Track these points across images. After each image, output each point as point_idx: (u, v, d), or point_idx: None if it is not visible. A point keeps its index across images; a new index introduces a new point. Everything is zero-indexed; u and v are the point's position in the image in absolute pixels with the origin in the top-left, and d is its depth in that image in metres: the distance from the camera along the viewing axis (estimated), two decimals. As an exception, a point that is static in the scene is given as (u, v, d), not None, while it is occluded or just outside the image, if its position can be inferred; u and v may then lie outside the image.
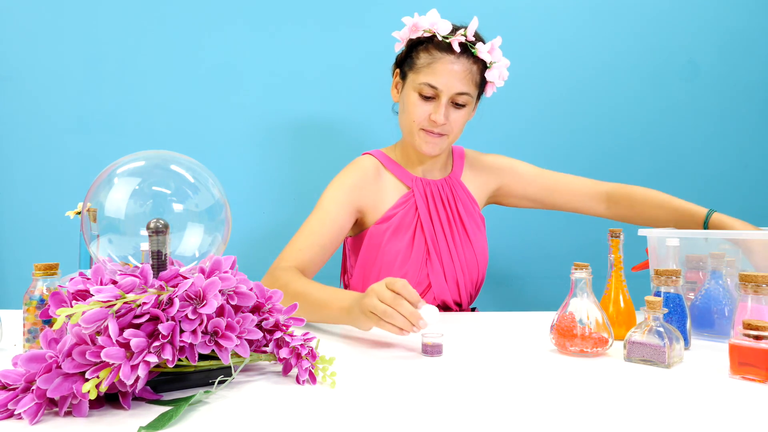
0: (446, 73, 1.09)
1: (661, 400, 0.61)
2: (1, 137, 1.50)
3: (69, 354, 0.55)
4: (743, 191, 1.73)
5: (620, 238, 0.91)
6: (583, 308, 0.80)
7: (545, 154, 1.65)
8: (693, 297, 0.95)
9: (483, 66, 1.14)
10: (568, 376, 0.70)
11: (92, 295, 0.57)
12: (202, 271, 0.65)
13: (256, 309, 0.71)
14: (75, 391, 0.54)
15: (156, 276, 0.64)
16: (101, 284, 0.60)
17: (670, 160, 1.71)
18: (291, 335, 0.70)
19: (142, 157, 0.71)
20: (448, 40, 1.09)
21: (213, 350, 0.61)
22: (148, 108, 1.54)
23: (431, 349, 0.80)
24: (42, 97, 1.51)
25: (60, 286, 0.75)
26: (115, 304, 0.56)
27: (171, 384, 0.63)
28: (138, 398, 0.60)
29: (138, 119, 1.54)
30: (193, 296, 0.61)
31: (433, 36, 1.11)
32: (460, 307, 1.24)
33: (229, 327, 0.63)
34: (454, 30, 1.10)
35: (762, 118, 1.73)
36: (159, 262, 0.65)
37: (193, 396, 0.58)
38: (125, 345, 0.55)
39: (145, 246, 0.66)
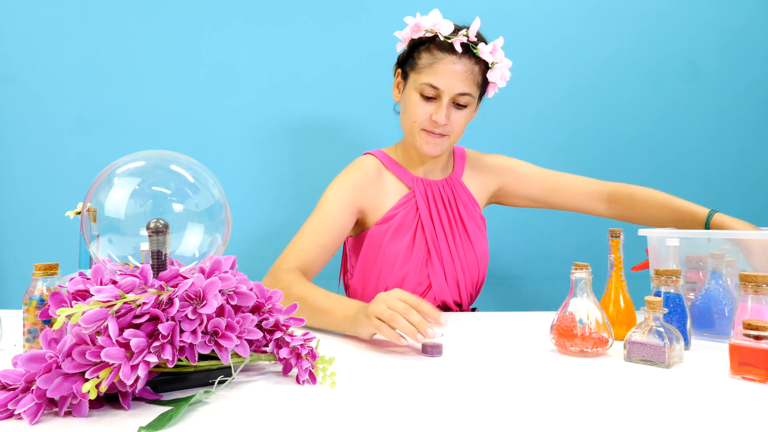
0: (448, 74, 1.09)
1: (661, 400, 0.61)
2: (1, 137, 1.50)
3: (69, 354, 0.55)
4: (743, 191, 1.73)
5: (620, 238, 0.91)
6: (583, 308, 0.80)
7: (546, 154, 1.65)
8: (693, 297, 0.95)
9: (485, 66, 1.13)
10: (568, 376, 0.70)
11: (92, 295, 0.57)
12: (202, 271, 0.65)
13: (256, 309, 0.71)
14: (75, 391, 0.54)
15: (156, 276, 0.64)
16: (101, 284, 0.60)
17: (670, 160, 1.71)
18: (291, 335, 0.70)
19: (142, 157, 0.71)
20: (450, 41, 1.09)
21: (213, 350, 0.61)
22: (148, 108, 1.54)
23: (431, 350, 0.80)
24: (42, 97, 1.51)
25: (60, 286, 0.75)
26: (115, 304, 0.56)
27: (171, 384, 0.63)
28: (138, 398, 0.60)
29: (138, 119, 1.54)
30: (193, 296, 0.61)
31: (435, 36, 1.11)
32: (460, 307, 1.24)
33: (229, 327, 0.63)
34: (456, 30, 1.10)
35: (762, 118, 1.74)
36: (159, 262, 0.65)
37: (193, 396, 0.58)
38: (125, 345, 0.55)
39: (145, 246, 0.66)
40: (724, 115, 1.72)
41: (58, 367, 0.55)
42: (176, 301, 0.59)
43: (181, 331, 0.59)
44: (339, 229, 1.13)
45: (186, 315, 0.59)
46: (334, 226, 1.12)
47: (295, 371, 0.70)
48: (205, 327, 0.61)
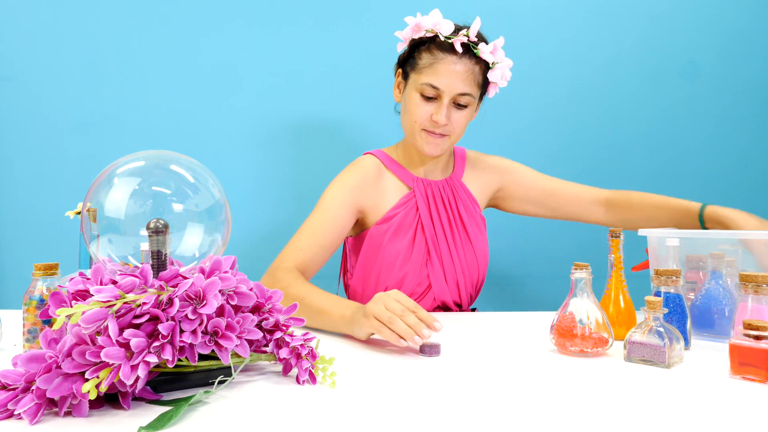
0: (448, 74, 1.09)
1: (661, 400, 0.61)
2: (1, 137, 1.50)
3: (69, 354, 0.55)
4: (743, 191, 1.73)
5: (620, 238, 0.91)
6: (583, 308, 0.80)
7: (547, 154, 1.65)
8: (693, 297, 0.95)
9: (485, 66, 1.13)
10: (568, 376, 0.70)
11: (92, 295, 0.57)
12: (202, 271, 0.65)
13: (256, 309, 0.71)
14: (75, 391, 0.54)
15: (156, 276, 0.64)
16: (101, 284, 0.60)
17: (670, 160, 1.71)
18: (291, 335, 0.70)
19: (142, 157, 0.71)
20: (450, 41, 1.09)
21: (213, 350, 0.61)
22: (148, 108, 1.54)
23: (429, 349, 0.80)
24: (42, 97, 1.51)
25: (60, 286, 0.75)
26: (115, 304, 0.56)
27: (171, 384, 0.63)
28: (138, 398, 0.60)
29: (138, 119, 1.54)
30: (193, 296, 0.61)
31: (436, 36, 1.11)
32: (460, 307, 1.24)
33: (229, 327, 0.63)
34: (457, 30, 1.10)
35: (762, 118, 1.73)
36: (159, 262, 0.65)
37: (193, 396, 0.58)
38: (125, 345, 0.55)
39: (145, 246, 0.66)
40: (724, 115, 1.72)
41: (58, 367, 0.55)
42: (176, 301, 0.59)
43: (181, 331, 0.59)
44: (338, 229, 1.13)
45: (186, 315, 0.59)
46: (333, 225, 1.12)
47: (295, 371, 0.70)
48: (205, 327, 0.61)
